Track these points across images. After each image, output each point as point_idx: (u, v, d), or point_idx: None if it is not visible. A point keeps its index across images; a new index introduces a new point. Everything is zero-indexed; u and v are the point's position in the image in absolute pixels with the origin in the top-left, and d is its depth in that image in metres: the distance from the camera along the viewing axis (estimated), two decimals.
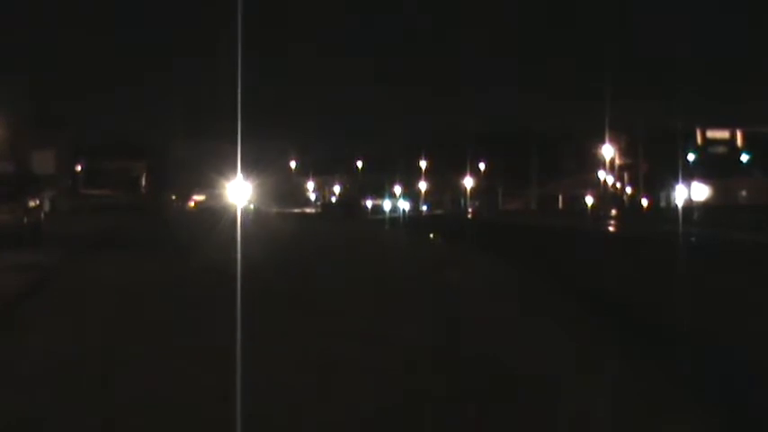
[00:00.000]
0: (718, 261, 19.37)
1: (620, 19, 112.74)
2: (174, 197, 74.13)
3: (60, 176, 54.81)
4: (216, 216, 35.53)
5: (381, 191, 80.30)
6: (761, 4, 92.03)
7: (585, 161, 79.46)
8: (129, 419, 5.63)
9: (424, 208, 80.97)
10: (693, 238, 27.47)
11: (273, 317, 9.59)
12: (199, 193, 78.56)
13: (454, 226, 40.12)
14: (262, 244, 21.61)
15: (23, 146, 50.27)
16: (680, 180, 63.94)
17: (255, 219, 44.78)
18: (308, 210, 79.97)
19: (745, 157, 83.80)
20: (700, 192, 72.59)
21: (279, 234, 29.70)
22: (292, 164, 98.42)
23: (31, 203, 21.82)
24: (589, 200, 74.71)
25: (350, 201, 77.21)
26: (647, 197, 77.42)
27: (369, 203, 76.89)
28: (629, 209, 72.08)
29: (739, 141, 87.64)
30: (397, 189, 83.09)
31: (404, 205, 71.65)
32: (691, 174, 69.79)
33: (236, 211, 41.27)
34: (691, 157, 76.45)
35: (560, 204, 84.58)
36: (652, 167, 76.07)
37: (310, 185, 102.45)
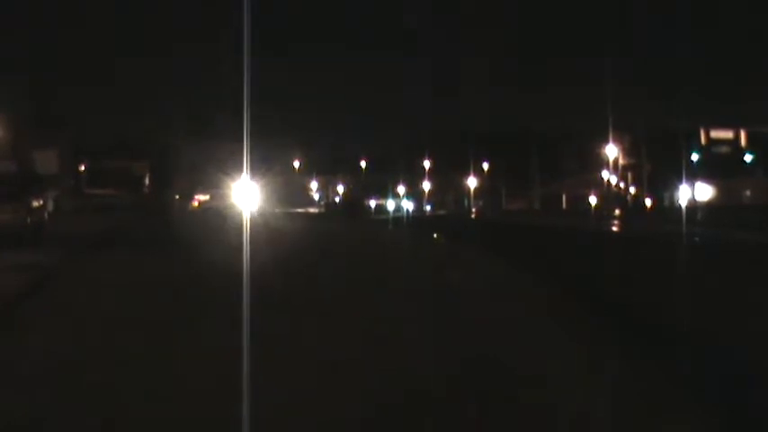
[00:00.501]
0: (719, 261, 19.33)
1: (620, 19, 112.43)
2: (177, 197, 74.10)
3: (63, 176, 54.88)
4: (220, 216, 35.49)
5: (385, 191, 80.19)
6: (761, 4, 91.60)
7: (587, 161, 79.39)
8: (129, 419, 5.63)
9: (428, 208, 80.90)
10: (696, 238, 27.43)
11: (274, 317, 9.58)
12: (202, 192, 78.48)
13: (458, 226, 40.13)
14: (266, 244, 21.59)
15: (24, 146, 50.29)
16: (683, 180, 63.88)
17: (260, 219, 44.74)
18: (311, 210, 79.89)
19: (748, 158, 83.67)
20: (703, 192, 72.47)
21: (283, 235, 29.67)
22: (296, 164, 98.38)
23: (35, 203, 21.86)
24: (593, 200, 74.61)
25: (353, 201, 77.11)
26: (650, 197, 77.34)
27: (372, 203, 76.80)
28: (633, 209, 71.95)
29: (743, 141, 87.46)
30: (401, 189, 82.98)
31: (407, 205, 71.61)
32: (694, 174, 69.73)
33: (241, 212, 41.14)
34: (694, 157, 76.38)
35: (564, 204, 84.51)
36: (655, 167, 76.02)
37: (314, 185, 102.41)
